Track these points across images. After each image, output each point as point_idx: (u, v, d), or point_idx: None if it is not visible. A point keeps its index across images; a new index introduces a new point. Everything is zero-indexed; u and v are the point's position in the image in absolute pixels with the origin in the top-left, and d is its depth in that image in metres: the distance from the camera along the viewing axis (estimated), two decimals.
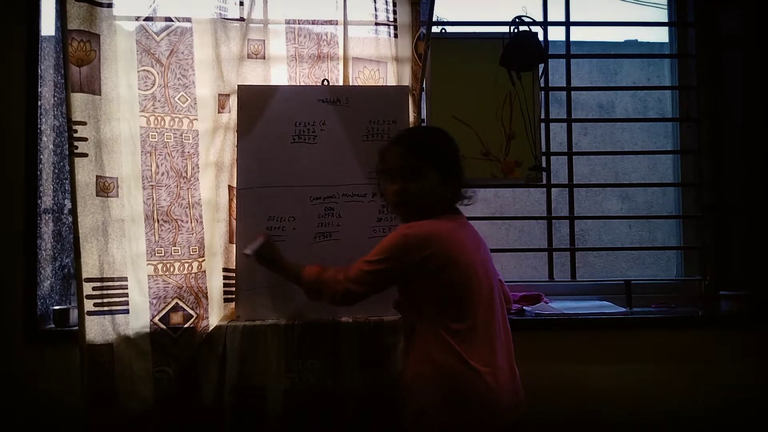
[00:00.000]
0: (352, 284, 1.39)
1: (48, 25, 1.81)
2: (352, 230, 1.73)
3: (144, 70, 1.69)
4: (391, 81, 1.83)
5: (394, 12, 1.83)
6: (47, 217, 1.80)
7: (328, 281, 1.42)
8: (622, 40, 2.34)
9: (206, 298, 1.69)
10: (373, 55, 1.83)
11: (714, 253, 2.09)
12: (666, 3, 2.22)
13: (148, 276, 1.66)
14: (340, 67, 1.82)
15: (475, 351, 1.32)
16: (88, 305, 1.59)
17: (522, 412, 1.39)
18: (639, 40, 2.31)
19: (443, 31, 2.04)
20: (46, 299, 1.79)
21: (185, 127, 1.72)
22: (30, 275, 1.74)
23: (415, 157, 1.40)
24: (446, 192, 1.41)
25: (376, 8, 1.83)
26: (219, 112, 1.76)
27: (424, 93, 1.90)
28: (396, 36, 1.83)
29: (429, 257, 1.32)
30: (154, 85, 1.70)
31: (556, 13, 2.11)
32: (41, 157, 1.77)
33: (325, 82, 1.81)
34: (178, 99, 1.72)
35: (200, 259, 1.70)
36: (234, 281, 1.72)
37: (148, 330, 1.63)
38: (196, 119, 1.73)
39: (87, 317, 1.58)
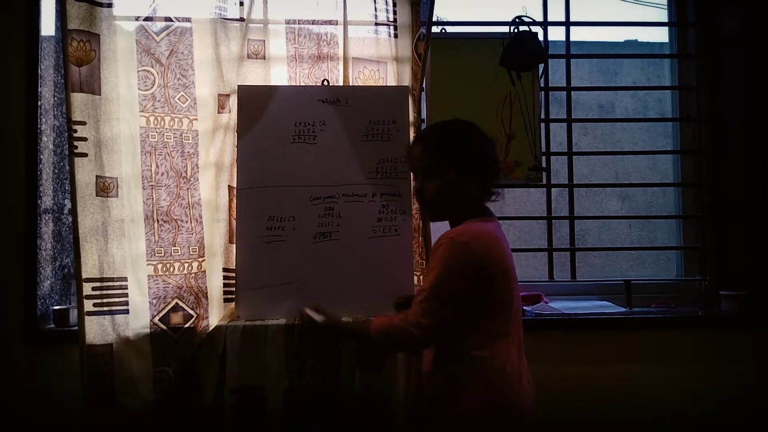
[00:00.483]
0: (424, 320, 1.27)
1: (48, 25, 1.81)
2: (352, 230, 1.73)
3: (144, 70, 1.69)
4: (391, 81, 1.83)
5: (394, 12, 1.83)
6: (47, 217, 1.80)
7: (400, 328, 1.30)
8: (622, 40, 2.34)
9: (206, 298, 1.69)
10: (373, 55, 1.83)
11: (714, 253, 2.09)
12: (666, 3, 2.22)
13: (148, 276, 1.66)
14: (340, 67, 1.82)
15: (510, 355, 1.31)
16: (88, 305, 1.59)
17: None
18: (639, 40, 2.31)
19: (443, 31, 2.04)
20: (46, 299, 1.79)
21: (185, 127, 1.72)
22: (30, 275, 1.74)
23: (431, 155, 1.36)
24: (468, 189, 1.34)
25: (376, 8, 1.83)
26: (219, 112, 1.76)
27: (424, 93, 1.90)
28: (396, 36, 1.83)
29: (484, 265, 1.27)
30: (153, 85, 1.70)
31: (556, 13, 2.11)
32: (41, 157, 1.77)
33: (325, 82, 1.81)
34: (178, 99, 1.71)
35: (200, 259, 1.70)
36: (234, 281, 1.72)
37: (148, 330, 1.63)
38: (196, 119, 1.73)
39: (87, 317, 1.58)
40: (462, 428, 1.28)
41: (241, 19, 1.78)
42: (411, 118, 1.79)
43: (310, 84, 1.81)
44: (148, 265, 1.66)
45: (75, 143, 1.59)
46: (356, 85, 1.82)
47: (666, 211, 2.18)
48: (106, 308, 1.60)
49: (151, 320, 1.64)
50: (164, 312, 1.65)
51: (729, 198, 2.04)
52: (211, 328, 1.67)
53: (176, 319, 1.65)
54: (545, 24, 2.08)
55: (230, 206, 1.76)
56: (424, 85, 1.83)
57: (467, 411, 1.28)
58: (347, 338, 1.50)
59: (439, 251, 1.29)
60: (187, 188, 1.71)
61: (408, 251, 1.73)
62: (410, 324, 1.28)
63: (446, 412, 1.31)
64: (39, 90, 1.77)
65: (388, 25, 1.83)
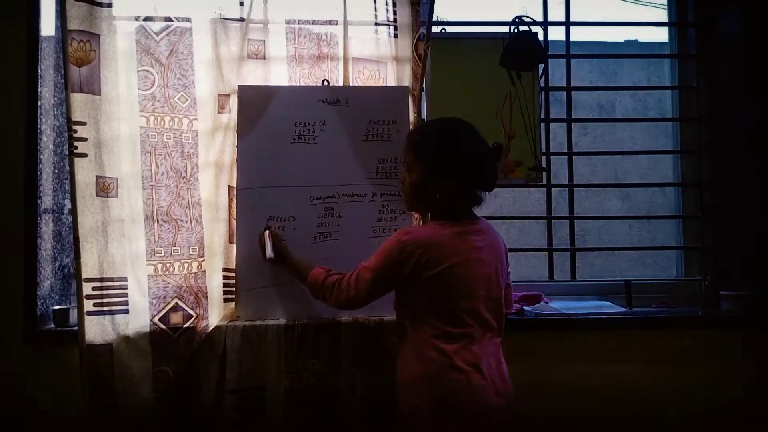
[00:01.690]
0: (353, 290, 1.42)
1: (48, 25, 1.81)
2: (352, 230, 1.73)
3: (144, 70, 1.69)
4: (391, 81, 1.83)
5: (394, 12, 1.83)
6: (47, 217, 1.80)
7: (331, 287, 1.46)
8: (622, 40, 2.34)
9: (206, 298, 1.69)
10: (373, 55, 1.83)
11: (714, 253, 2.09)
12: (666, 3, 2.22)
13: (148, 276, 1.65)
14: (340, 67, 1.82)
15: (462, 353, 1.33)
16: (88, 305, 1.59)
17: (511, 413, 1.38)
18: (639, 40, 2.31)
19: (443, 31, 2.03)
20: (46, 299, 1.79)
21: (185, 127, 1.72)
22: (30, 275, 1.74)
23: (407, 152, 1.44)
24: (435, 191, 1.39)
25: (376, 8, 1.83)
26: (219, 112, 1.76)
27: (424, 93, 1.90)
28: (396, 36, 1.83)
29: (423, 264, 1.34)
30: (153, 85, 1.70)
31: (556, 13, 2.11)
32: (41, 157, 1.77)
33: (325, 83, 1.81)
34: (178, 99, 1.71)
35: (200, 259, 1.70)
36: (234, 281, 1.72)
37: (147, 330, 1.63)
38: (196, 119, 1.73)
39: (87, 317, 1.58)
40: (410, 423, 1.35)
41: (241, 19, 1.78)
42: (411, 118, 1.78)
43: (310, 84, 1.81)
44: (148, 264, 1.66)
45: (75, 143, 1.59)
46: (356, 85, 1.81)
47: (666, 211, 2.18)
48: (106, 308, 1.60)
49: (151, 320, 1.64)
50: (164, 312, 1.65)
51: (729, 198, 2.04)
52: (211, 328, 1.67)
53: (176, 318, 1.65)
54: (545, 24, 2.08)
55: (230, 206, 1.76)
56: (424, 85, 1.83)
57: (414, 406, 1.34)
58: (289, 271, 1.62)
59: (387, 240, 1.41)
60: (187, 188, 1.71)
61: None
62: (340, 288, 1.43)
63: (401, 405, 1.40)
64: (39, 90, 1.77)
65: (388, 25, 1.83)
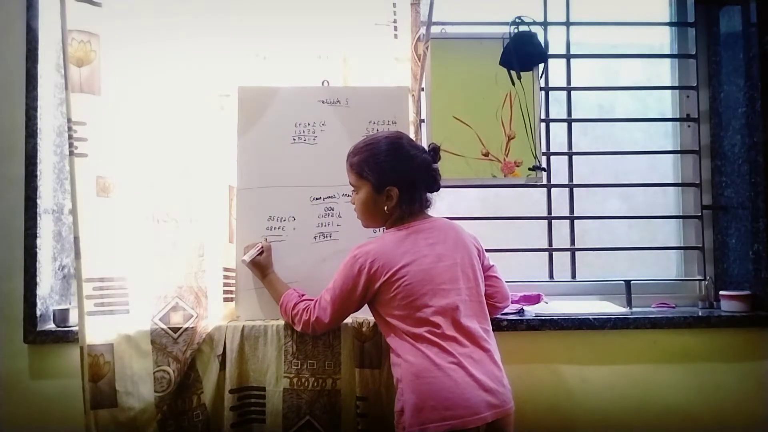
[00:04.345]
0: (316, 313, 1.49)
1: (48, 25, 1.81)
2: (352, 230, 1.73)
3: (144, 70, 1.69)
4: (391, 81, 1.83)
5: (394, 12, 1.83)
6: (47, 217, 1.79)
7: (300, 313, 1.52)
8: (622, 40, 2.34)
9: (206, 297, 1.69)
10: (373, 55, 1.83)
11: (714, 253, 2.09)
12: (666, 3, 2.22)
13: (148, 276, 1.65)
14: (340, 67, 1.82)
15: (439, 349, 1.36)
16: (88, 305, 1.58)
17: (508, 412, 1.38)
18: (639, 40, 2.31)
19: (443, 31, 2.03)
20: (46, 299, 1.79)
21: (185, 127, 1.72)
22: (30, 275, 1.74)
23: (349, 174, 1.51)
24: (383, 205, 1.46)
25: (376, 8, 1.83)
26: (219, 113, 1.76)
27: (423, 93, 1.90)
28: (396, 36, 1.83)
29: (375, 272, 1.40)
30: (153, 84, 1.69)
31: (556, 13, 2.10)
32: (41, 157, 1.77)
33: (325, 83, 1.81)
34: (178, 99, 1.71)
35: (200, 259, 1.70)
36: (234, 281, 1.72)
37: (148, 330, 1.63)
38: (196, 119, 1.73)
39: (87, 317, 1.58)
40: (398, 423, 1.37)
41: (242, 20, 1.78)
42: (411, 118, 1.79)
43: (310, 84, 1.81)
44: (148, 264, 1.66)
45: (75, 143, 1.59)
46: (356, 85, 1.81)
47: (666, 211, 2.18)
48: (106, 308, 1.60)
49: (151, 320, 1.64)
50: (164, 311, 1.65)
51: (729, 198, 2.04)
52: (211, 328, 1.67)
53: (176, 318, 1.65)
54: (545, 24, 2.08)
55: (230, 206, 1.76)
56: (423, 85, 1.83)
57: (401, 406, 1.36)
58: (266, 287, 1.67)
59: (344, 261, 1.46)
60: (187, 188, 1.71)
61: None
62: (308, 312, 1.50)
63: (395, 410, 1.40)
64: (39, 90, 1.77)
65: (388, 25, 1.83)
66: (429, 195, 1.52)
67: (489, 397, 1.34)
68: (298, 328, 1.54)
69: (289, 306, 1.56)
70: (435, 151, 1.52)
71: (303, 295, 1.58)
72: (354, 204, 1.54)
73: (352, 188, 1.53)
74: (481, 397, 1.33)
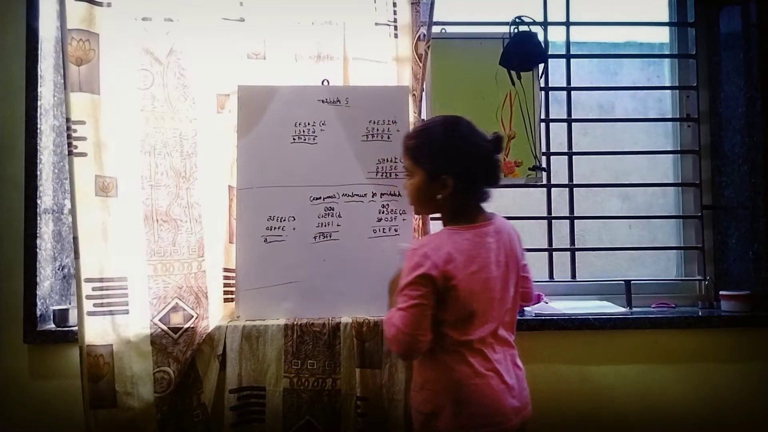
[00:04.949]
0: (405, 329, 1.29)
1: (48, 25, 1.81)
2: (352, 230, 1.73)
3: (143, 70, 1.69)
4: (391, 81, 1.83)
5: (394, 12, 1.83)
6: (47, 217, 1.79)
7: (390, 335, 1.34)
8: (622, 40, 2.34)
9: (206, 298, 1.69)
10: (373, 55, 1.83)
11: (714, 253, 2.09)
12: (666, 3, 2.22)
13: (148, 276, 1.65)
14: (340, 67, 1.82)
15: (480, 357, 1.33)
16: (88, 305, 1.59)
17: (527, 415, 1.39)
18: (639, 40, 2.31)
19: (443, 31, 2.03)
20: (46, 299, 1.79)
21: (184, 126, 1.72)
22: (30, 275, 1.74)
23: (404, 156, 1.42)
24: (436, 193, 1.35)
25: (376, 8, 1.83)
26: (218, 112, 1.76)
27: (423, 93, 1.90)
28: (396, 36, 1.83)
29: (441, 275, 1.29)
30: (153, 84, 1.70)
31: (556, 13, 2.10)
32: (41, 157, 1.77)
33: (325, 82, 1.81)
34: (178, 98, 1.71)
35: (200, 259, 1.70)
36: (234, 281, 1.72)
37: (148, 330, 1.63)
38: (196, 119, 1.73)
39: (87, 317, 1.58)
40: (426, 426, 1.34)
41: (241, 19, 1.78)
42: (411, 118, 1.79)
43: (310, 84, 1.80)
44: (148, 265, 1.66)
45: (74, 143, 1.59)
46: (356, 85, 1.81)
47: (666, 211, 2.18)
48: (106, 308, 1.60)
49: (151, 320, 1.64)
50: (164, 312, 1.65)
51: (729, 198, 2.04)
52: (211, 328, 1.67)
53: (176, 319, 1.65)
54: (545, 24, 2.08)
55: (230, 206, 1.76)
56: (424, 85, 1.83)
57: (433, 409, 1.33)
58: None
59: (406, 262, 1.34)
60: (187, 188, 1.71)
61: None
62: (395, 335, 1.31)
63: (419, 407, 1.38)
64: (39, 90, 1.77)
65: (389, 25, 1.83)
66: (486, 189, 1.40)
67: (516, 402, 1.34)
68: (391, 348, 1.42)
69: (386, 320, 1.39)
70: (498, 141, 1.38)
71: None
72: (406, 188, 1.44)
73: (406, 172, 1.43)
74: (511, 403, 1.33)
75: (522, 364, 1.43)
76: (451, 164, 1.35)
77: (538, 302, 1.93)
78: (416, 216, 1.76)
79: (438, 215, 1.44)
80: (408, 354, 1.39)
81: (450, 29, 2.05)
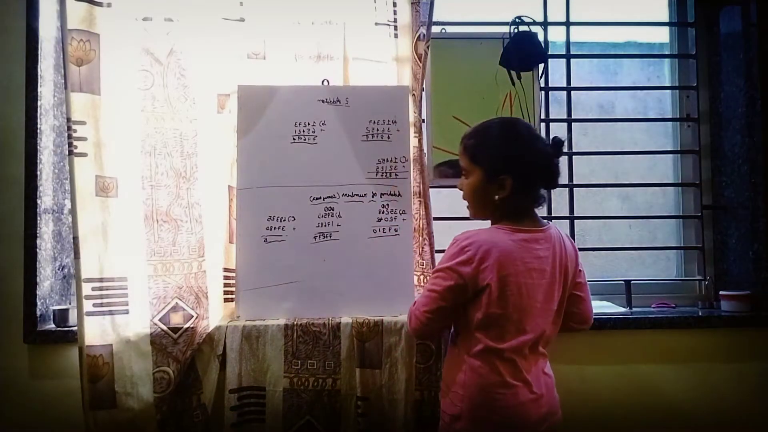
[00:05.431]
0: (421, 307, 1.37)
1: (48, 25, 1.81)
2: (352, 230, 1.73)
3: (144, 70, 1.69)
4: (391, 81, 1.83)
5: (394, 12, 1.83)
6: (47, 217, 1.79)
7: (409, 313, 1.42)
8: (622, 40, 2.34)
9: (206, 298, 1.69)
10: (373, 55, 1.83)
11: (714, 253, 2.09)
12: (666, 3, 2.22)
13: (148, 276, 1.65)
14: (340, 67, 1.82)
15: (511, 367, 1.31)
16: (88, 305, 1.58)
17: (556, 421, 1.39)
18: (639, 40, 2.31)
19: (443, 31, 2.03)
20: (46, 299, 1.79)
21: (185, 126, 1.72)
22: (30, 275, 1.74)
23: (462, 156, 1.42)
24: (494, 194, 1.34)
25: (376, 8, 1.83)
26: (219, 112, 1.76)
27: (424, 93, 1.90)
28: (396, 36, 1.83)
29: (481, 271, 1.28)
30: (153, 84, 1.70)
31: (556, 13, 2.10)
32: (41, 157, 1.77)
33: (325, 82, 1.81)
34: (178, 99, 1.71)
35: (200, 259, 1.70)
36: (234, 281, 1.72)
37: (147, 330, 1.63)
38: (196, 119, 1.73)
39: (86, 317, 1.58)
40: (449, 429, 1.34)
41: (242, 19, 1.78)
42: (411, 118, 1.79)
43: (310, 84, 1.80)
44: (148, 265, 1.66)
45: (75, 143, 1.59)
46: (356, 85, 1.81)
47: (666, 211, 2.18)
48: (105, 308, 1.60)
49: (151, 320, 1.64)
50: (164, 312, 1.65)
51: (729, 198, 2.04)
52: (211, 328, 1.67)
53: (176, 319, 1.65)
54: (545, 24, 2.08)
55: (230, 206, 1.76)
56: (424, 85, 1.83)
57: (457, 412, 1.32)
58: None
59: (448, 248, 1.35)
60: (187, 188, 1.71)
61: (408, 251, 1.73)
62: (414, 312, 1.39)
63: (446, 408, 1.37)
64: (39, 90, 1.77)
65: (388, 25, 1.83)
66: (543, 193, 1.40)
67: (543, 409, 1.34)
68: (411, 332, 1.47)
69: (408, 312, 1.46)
70: (558, 145, 1.39)
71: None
72: (461, 189, 1.44)
73: (463, 172, 1.42)
74: (538, 412, 1.33)
75: (551, 372, 1.42)
76: (511, 164, 1.34)
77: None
78: (415, 216, 1.76)
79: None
80: (419, 334, 1.47)
81: (450, 29, 2.05)
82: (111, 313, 1.61)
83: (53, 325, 1.78)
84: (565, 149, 2.08)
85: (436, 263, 1.38)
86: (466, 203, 1.46)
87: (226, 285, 1.75)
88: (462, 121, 1.97)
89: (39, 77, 1.77)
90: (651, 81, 2.26)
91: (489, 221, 1.43)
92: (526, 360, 1.34)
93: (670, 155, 2.20)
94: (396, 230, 1.73)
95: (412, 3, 1.82)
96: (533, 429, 1.32)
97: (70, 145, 1.59)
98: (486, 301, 1.29)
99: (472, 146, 1.39)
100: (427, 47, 1.78)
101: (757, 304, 1.90)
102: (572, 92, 2.12)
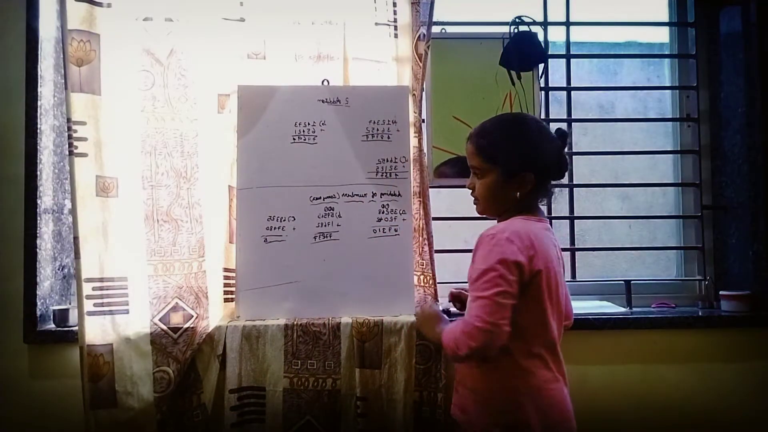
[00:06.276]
0: (478, 321, 1.21)
1: (48, 25, 1.81)
2: (352, 230, 1.73)
3: (144, 70, 1.69)
4: (391, 81, 1.83)
5: (394, 12, 1.83)
6: (47, 217, 1.79)
7: (464, 334, 1.24)
8: (622, 40, 2.35)
9: (206, 298, 1.69)
10: (373, 55, 1.83)
11: (714, 253, 2.09)
12: (666, 3, 2.22)
13: (148, 276, 1.65)
14: (340, 67, 1.82)
15: (555, 361, 1.32)
16: (88, 305, 1.59)
17: None
18: (639, 40, 2.32)
19: (443, 31, 2.03)
20: (46, 299, 1.79)
21: (185, 127, 1.72)
22: (30, 275, 1.74)
23: (475, 156, 1.38)
24: (514, 192, 1.34)
25: (376, 8, 1.83)
26: (219, 112, 1.76)
27: (424, 93, 1.90)
28: (396, 36, 1.83)
29: (533, 258, 1.25)
30: (153, 85, 1.70)
31: (556, 13, 2.11)
32: (41, 157, 1.77)
33: (325, 82, 1.81)
34: (178, 99, 1.71)
35: (200, 259, 1.70)
36: (234, 281, 1.72)
37: (148, 330, 1.63)
38: (196, 119, 1.73)
39: (87, 317, 1.58)
40: None
41: (242, 19, 1.78)
42: (411, 118, 1.79)
43: (310, 84, 1.80)
44: (148, 265, 1.66)
45: (75, 143, 1.59)
46: (356, 85, 1.81)
47: (666, 211, 2.18)
48: (106, 308, 1.60)
49: (151, 320, 1.64)
50: (164, 312, 1.65)
51: (729, 198, 2.04)
52: (211, 328, 1.67)
53: (176, 318, 1.65)
54: (545, 24, 2.08)
55: (230, 206, 1.76)
56: (424, 85, 1.83)
57: (522, 421, 1.27)
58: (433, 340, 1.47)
59: (481, 248, 1.28)
60: (187, 188, 1.71)
61: (408, 251, 1.73)
62: (465, 325, 1.23)
63: (500, 422, 1.29)
64: (39, 90, 1.77)
65: (388, 25, 1.83)
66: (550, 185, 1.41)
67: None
68: (465, 354, 1.25)
69: (448, 339, 1.30)
70: (564, 136, 1.41)
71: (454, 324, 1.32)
72: (471, 188, 1.41)
73: (474, 171, 1.39)
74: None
75: None
76: (529, 161, 1.34)
77: None
78: (415, 216, 1.76)
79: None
80: (486, 349, 1.21)
81: (450, 29, 2.05)
82: (111, 312, 1.61)
83: (53, 325, 1.78)
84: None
85: (477, 267, 1.26)
86: (472, 200, 1.44)
87: (226, 285, 1.75)
88: (462, 121, 1.97)
89: (39, 77, 1.77)
90: (651, 81, 2.26)
91: (496, 217, 1.43)
92: (560, 354, 1.35)
93: (670, 155, 2.20)
94: (396, 230, 1.73)
95: (412, 3, 1.82)
96: (574, 424, 1.32)
97: (70, 145, 1.59)
98: (533, 292, 1.26)
99: (486, 146, 1.36)
100: (428, 47, 1.78)
101: (757, 304, 1.90)
102: (572, 92, 2.12)
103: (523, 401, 1.27)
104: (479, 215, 1.48)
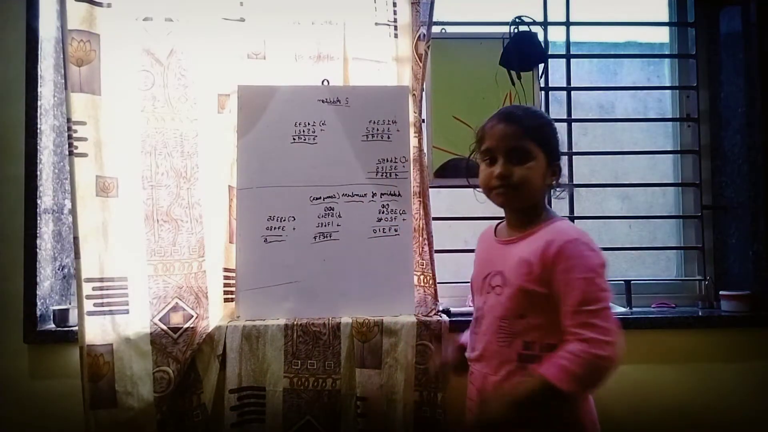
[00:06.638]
0: (611, 333, 1.15)
1: (48, 25, 1.81)
2: (352, 230, 1.73)
3: (144, 71, 1.69)
4: (391, 81, 1.83)
5: (394, 12, 1.83)
6: (47, 217, 1.79)
7: (588, 360, 1.14)
8: (622, 40, 2.35)
9: (206, 298, 1.69)
10: (373, 55, 1.83)
11: (714, 253, 2.09)
12: (666, 3, 2.22)
13: (148, 276, 1.65)
14: (340, 67, 1.82)
15: None
16: (88, 305, 1.59)
17: None
18: (639, 40, 2.32)
19: (443, 31, 2.03)
20: (46, 299, 1.79)
21: (185, 127, 1.72)
22: (30, 275, 1.74)
23: (523, 138, 1.27)
24: (548, 180, 1.31)
25: (376, 8, 1.83)
26: (219, 112, 1.76)
27: (424, 93, 1.90)
28: (396, 36, 1.83)
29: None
30: (153, 85, 1.70)
31: (556, 13, 2.11)
32: (41, 157, 1.77)
33: (325, 82, 1.81)
34: (178, 99, 1.71)
35: (200, 259, 1.70)
36: (234, 281, 1.72)
37: (148, 330, 1.63)
38: (196, 119, 1.73)
39: (87, 317, 1.58)
40: None
41: (242, 19, 1.78)
42: (411, 118, 1.79)
43: (310, 84, 1.80)
44: (148, 264, 1.66)
45: (75, 143, 1.59)
46: (356, 85, 1.81)
47: (666, 211, 2.18)
48: (106, 308, 1.60)
49: (151, 320, 1.64)
50: (164, 312, 1.65)
51: (729, 198, 2.04)
52: (211, 328, 1.67)
53: (176, 318, 1.65)
54: (545, 24, 2.08)
55: (230, 206, 1.76)
56: (424, 85, 1.83)
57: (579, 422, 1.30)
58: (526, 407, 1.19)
59: (573, 258, 1.19)
60: (187, 188, 1.71)
61: (408, 251, 1.73)
62: (598, 347, 1.13)
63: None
64: (39, 90, 1.77)
65: (388, 25, 1.83)
66: None
67: None
68: (604, 377, 1.16)
69: (570, 373, 1.14)
70: None
71: (550, 363, 1.17)
72: (508, 175, 1.26)
73: (513, 155, 1.27)
74: None
75: None
76: (558, 150, 1.34)
77: None
78: (415, 216, 1.76)
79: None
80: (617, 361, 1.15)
81: (450, 29, 2.05)
82: (111, 312, 1.61)
83: (53, 325, 1.78)
84: (565, 149, 2.10)
85: (578, 276, 1.19)
86: (497, 190, 1.29)
87: (226, 285, 1.75)
88: (462, 121, 1.97)
89: (39, 77, 1.77)
90: (651, 81, 2.26)
91: (518, 208, 1.34)
92: None
93: (670, 155, 2.20)
94: (396, 230, 1.73)
95: (412, 3, 1.82)
96: None
97: (70, 145, 1.59)
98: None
99: (538, 128, 1.29)
100: (428, 47, 1.78)
101: (757, 304, 1.90)
102: (572, 92, 2.12)
103: (579, 403, 1.29)
104: (499, 206, 1.36)
